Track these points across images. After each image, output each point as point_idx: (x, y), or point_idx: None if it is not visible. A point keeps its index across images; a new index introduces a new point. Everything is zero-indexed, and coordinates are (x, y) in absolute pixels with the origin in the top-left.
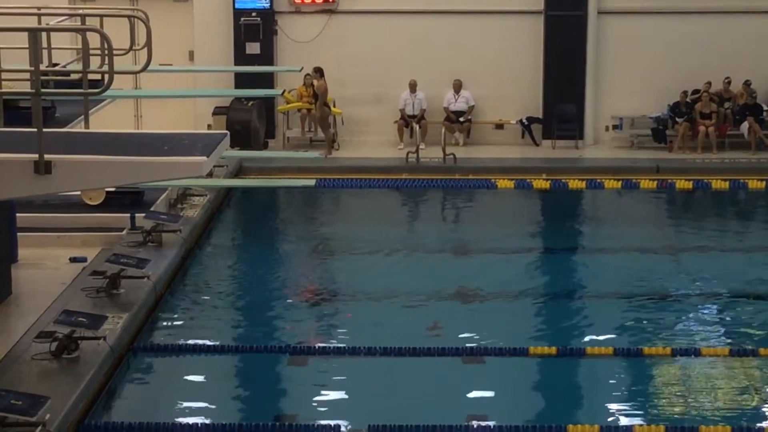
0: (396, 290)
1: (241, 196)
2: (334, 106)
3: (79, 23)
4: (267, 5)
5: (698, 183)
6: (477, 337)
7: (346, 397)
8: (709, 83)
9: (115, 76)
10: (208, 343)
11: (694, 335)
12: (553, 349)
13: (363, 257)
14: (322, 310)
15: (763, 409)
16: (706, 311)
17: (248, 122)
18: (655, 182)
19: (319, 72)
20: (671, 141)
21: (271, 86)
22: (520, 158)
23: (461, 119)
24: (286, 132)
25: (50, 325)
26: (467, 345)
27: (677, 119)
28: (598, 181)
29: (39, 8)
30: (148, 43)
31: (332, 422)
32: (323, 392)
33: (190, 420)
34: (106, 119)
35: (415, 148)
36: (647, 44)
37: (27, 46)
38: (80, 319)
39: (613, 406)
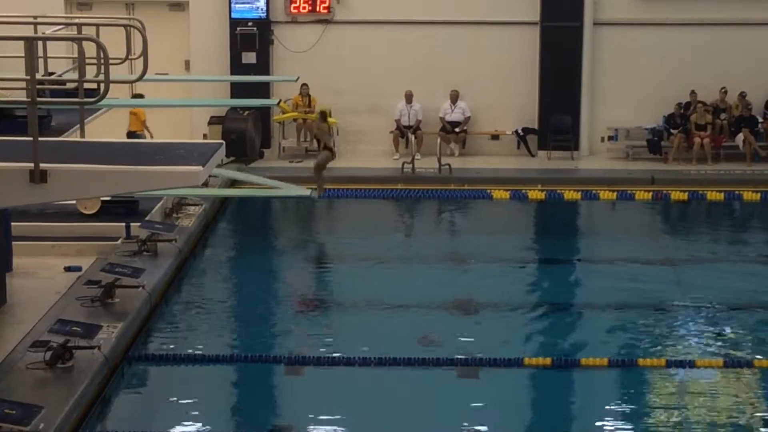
0: (391, 300)
1: (237, 206)
2: (330, 116)
3: (75, 32)
4: (263, 15)
5: (693, 194)
6: (472, 347)
7: (341, 407)
8: (695, 92)
9: (111, 85)
10: (202, 352)
11: (689, 346)
12: (548, 360)
13: (358, 267)
14: (318, 320)
15: (758, 420)
16: (700, 322)
17: (244, 132)
18: (650, 193)
19: (322, 116)
20: (666, 152)
21: (267, 96)
22: (516, 169)
23: (457, 130)
24: (281, 141)
25: (45, 335)
26: (462, 356)
27: (672, 130)
28: (594, 192)
29: (35, 17)
30: (144, 53)
31: None
32: (318, 402)
33: (185, 430)
34: (102, 128)
35: (411, 158)
36: (643, 55)
37: (23, 54)
38: (75, 328)
39: (607, 417)
